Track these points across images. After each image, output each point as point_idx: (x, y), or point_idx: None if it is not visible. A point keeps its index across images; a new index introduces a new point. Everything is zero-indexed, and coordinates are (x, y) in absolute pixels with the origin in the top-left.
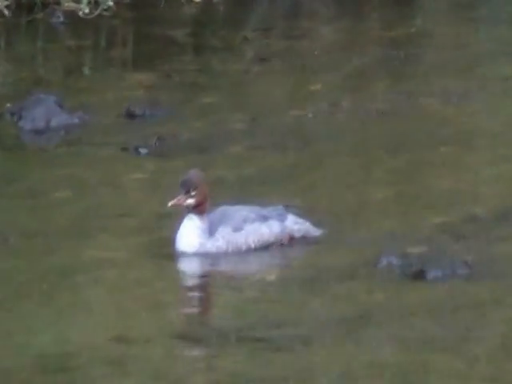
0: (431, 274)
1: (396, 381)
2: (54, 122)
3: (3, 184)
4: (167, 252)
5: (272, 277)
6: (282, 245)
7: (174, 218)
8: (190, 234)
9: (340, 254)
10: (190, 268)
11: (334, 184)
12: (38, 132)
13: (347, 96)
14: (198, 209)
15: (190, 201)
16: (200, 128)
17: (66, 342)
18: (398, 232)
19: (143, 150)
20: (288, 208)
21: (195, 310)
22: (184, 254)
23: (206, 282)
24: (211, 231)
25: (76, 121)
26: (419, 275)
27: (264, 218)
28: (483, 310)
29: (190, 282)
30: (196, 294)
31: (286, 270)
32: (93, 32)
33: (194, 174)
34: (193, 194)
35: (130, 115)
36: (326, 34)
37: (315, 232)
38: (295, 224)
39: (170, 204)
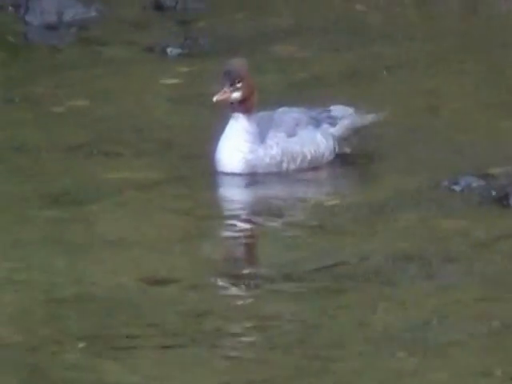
0: None
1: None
2: (67, 16)
3: (7, 90)
4: (204, 171)
5: (332, 202)
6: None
7: (212, 130)
8: (237, 138)
9: (408, 173)
10: (233, 189)
11: (399, 89)
12: (48, 28)
13: None
14: (245, 106)
15: (236, 94)
16: (241, 23)
17: (85, 284)
18: (478, 148)
19: (174, 50)
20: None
21: (238, 245)
22: (227, 168)
23: (252, 209)
24: (260, 137)
25: (93, 14)
26: (502, 200)
27: (316, 122)
28: None
29: (233, 208)
30: (240, 224)
31: (346, 193)
32: None
33: (238, 62)
34: (239, 85)
35: (159, 7)
36: None
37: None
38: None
39: (215, 99)
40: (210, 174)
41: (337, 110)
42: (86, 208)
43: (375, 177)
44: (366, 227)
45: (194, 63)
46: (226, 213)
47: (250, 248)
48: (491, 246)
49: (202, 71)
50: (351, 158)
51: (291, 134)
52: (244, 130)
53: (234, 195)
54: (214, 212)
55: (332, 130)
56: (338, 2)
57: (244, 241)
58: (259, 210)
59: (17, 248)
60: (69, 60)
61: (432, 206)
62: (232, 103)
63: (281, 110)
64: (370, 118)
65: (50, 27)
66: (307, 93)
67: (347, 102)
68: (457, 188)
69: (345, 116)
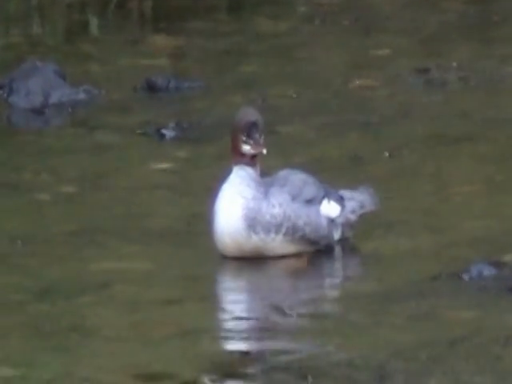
0: None
1: None
2: (53, 98)
3: None
4: (201, 261)
5: (333, 293)
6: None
7: (208, 219)
8: (241, 185)
9: (416, 261)
10: (229, 278)
11: (409, 174)
12: (33, 110)
13: (423, 63)
14: (255, 159)
15: (247, 147)
16: (238, 104)
17: (76, 380)
18: (489, 234)
19: (168, 133)
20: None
21: (236, 340)
22: (225, 219)
23: (250, 302)
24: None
25: (82, 96)
26: None
27: (327, 194)
28: None
29: (230, 300)
30: (238, 318)
31: (344, 283)
32: None
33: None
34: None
35: (151, 88)
36: None
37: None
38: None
39: (253, 151)
40: (205, 262)
41: (344, 193)
42: (75, 301)
43: (380, 264)
44: (371, 317)
45: (190, 147)
46: (222, 305)
47: (249, 344)
48: (504, 339)
49: (198, 155)
50: (353, 243)
51: (296, 196)
52: (249, 177)
53: (230, 285)
54: (209, 303)
55: (337, 213)
56: (338, 81)
57: (242, 336)
58: (258, 303)
59: (1, 342)
60: (55, 144)
61: (441, 295)
62: (244, 155)
63: (284, 172)
64: (376, 202)
65: (35, 110)
66: None
67: (350, 186)
68: (467, 276)
69: (354, 199)
